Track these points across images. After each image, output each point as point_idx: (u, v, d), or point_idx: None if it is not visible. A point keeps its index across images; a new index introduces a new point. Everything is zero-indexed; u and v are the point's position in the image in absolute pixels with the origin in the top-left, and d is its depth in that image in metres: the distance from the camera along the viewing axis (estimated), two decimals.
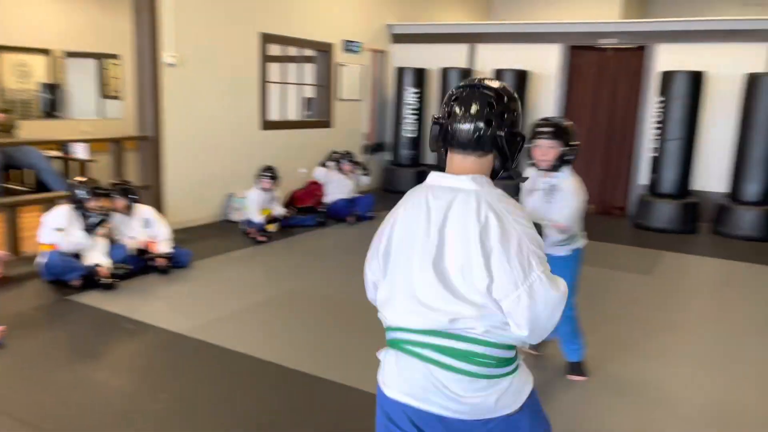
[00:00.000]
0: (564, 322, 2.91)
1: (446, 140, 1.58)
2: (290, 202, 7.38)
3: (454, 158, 1.58)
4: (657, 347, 3.84)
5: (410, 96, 8.99)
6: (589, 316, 3.67)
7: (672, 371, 3.52)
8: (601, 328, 4.03)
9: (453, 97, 1.58)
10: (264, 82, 7.32)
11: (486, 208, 1.49)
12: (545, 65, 8.43)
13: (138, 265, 4.88)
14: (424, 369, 1.53)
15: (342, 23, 8.45)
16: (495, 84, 1.58)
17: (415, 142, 9.14)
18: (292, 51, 8.36)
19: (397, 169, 9.17)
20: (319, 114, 8.45)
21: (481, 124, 1.53)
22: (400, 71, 9.07)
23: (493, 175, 1.60)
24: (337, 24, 8.36)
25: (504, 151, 1.56)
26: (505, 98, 1.56)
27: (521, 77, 8.15)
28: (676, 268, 5.83)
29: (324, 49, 8.22)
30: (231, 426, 2.85)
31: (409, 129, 9.07)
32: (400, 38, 9.43)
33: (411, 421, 1.57)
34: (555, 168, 3.00)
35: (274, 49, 7.95)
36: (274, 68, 8.14)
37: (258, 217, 6.33)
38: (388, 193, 8.82)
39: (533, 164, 3.10)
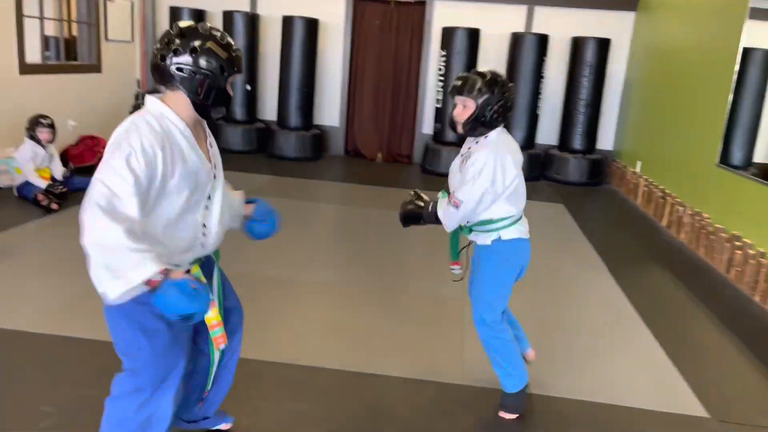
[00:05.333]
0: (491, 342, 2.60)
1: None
2: (65, 162, 6.28)
3: None
4: None
5: None
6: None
7: None
8: None
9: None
10: (21, 16, 6.01)
11: None
12: (333, 15, 8.41)
13: None
14: None
15: None
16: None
17: None
18: None
19: None
20: (85, 57, 7.26)
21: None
22: (174, 11, 8.21)
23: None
24: None
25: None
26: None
27: (312, 25, 8.01)
28: None
29: None
30: None
31: None
32: None
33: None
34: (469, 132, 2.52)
35: None
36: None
37: (38, 179, 5.32)
38: None
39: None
